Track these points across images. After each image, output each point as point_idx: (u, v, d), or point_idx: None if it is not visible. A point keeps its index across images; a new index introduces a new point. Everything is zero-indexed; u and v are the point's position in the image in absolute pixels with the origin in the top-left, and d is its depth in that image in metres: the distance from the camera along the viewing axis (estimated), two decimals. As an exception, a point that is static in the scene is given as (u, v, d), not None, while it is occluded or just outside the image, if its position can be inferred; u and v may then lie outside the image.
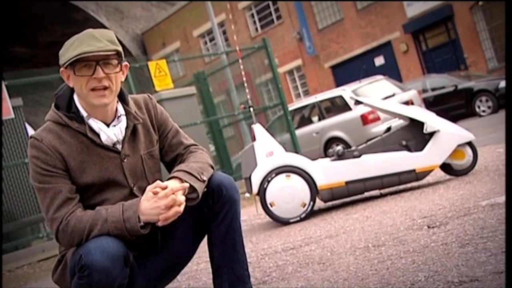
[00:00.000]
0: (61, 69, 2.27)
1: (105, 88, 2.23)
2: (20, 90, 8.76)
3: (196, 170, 2.33)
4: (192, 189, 2.27)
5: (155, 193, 2.19)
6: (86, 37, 2.21)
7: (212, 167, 2.44)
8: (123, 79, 2.33)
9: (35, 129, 10.25)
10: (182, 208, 2.21)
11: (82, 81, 2.22)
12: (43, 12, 27.47)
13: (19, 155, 8.72)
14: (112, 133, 2.30)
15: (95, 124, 2.28)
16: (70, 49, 2.20)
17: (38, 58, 30.06)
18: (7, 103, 7.85)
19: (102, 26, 27.74)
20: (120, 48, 2.26)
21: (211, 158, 2.53)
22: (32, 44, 29.94)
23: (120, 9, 30.30)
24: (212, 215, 2.41)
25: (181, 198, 2.22)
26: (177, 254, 2.46)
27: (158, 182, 2.24)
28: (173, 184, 2.23)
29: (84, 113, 2.28)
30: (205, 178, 2.34)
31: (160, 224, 2.19)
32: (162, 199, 2.18)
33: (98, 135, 2.29)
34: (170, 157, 2.49)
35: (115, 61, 2.25)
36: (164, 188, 2.20)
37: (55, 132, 2.26)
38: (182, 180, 2.26)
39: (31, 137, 2.27)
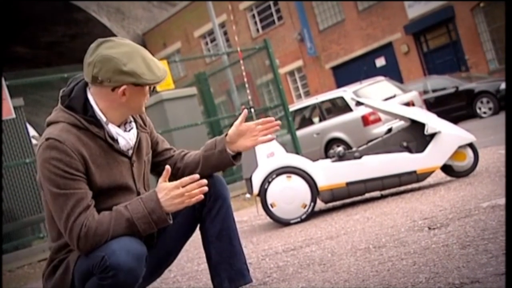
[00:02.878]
0: (124, 87, 2.24)
1: None
2: (21, 90, 8.77)
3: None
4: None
5: (168, 170, 2.24)
6: (150, 58, 2.29)
7: None
8: None
9: (36, 130, 10.23)
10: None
11: (146, 95, 2.32)
12: (44, 13, 27.48)
13: (20, 155, 8.72)
14: (128, 138, 2.35)
15: (113, 129, 2.31)
16: (154, 70, 2.25)
17: (40, 58, 30.06)
18: (8, 103, 7.85)
19: (104, 26, 27.79)
20: None
21: None
22: (33, 44, 29.94)
23: (121, 10, 30.32)
24: (206, 212, 2.43)
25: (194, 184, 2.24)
26: (168, 251, 2.50)
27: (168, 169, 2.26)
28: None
29: (103, 118, 2.29)
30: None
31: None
32: (177, 189, 2.20)
33: (116, 140, 2.32)
34: (157, 160, 2.59)
35: None
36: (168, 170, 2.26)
37: (74, 134, 2.24)
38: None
39: (49, 138, 2.20)
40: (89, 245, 2.14)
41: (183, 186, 2.19)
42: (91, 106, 2.28)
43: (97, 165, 2.25)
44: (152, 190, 2.26)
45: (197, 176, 2.23)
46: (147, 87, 2.29)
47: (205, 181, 2.21)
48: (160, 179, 2.24)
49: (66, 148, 2.17)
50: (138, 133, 2.41)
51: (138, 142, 2.41)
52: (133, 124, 2.39)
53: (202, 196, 2.22)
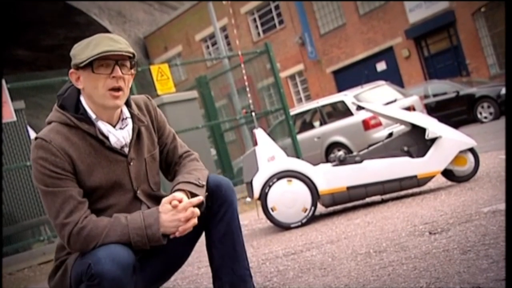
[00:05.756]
0: (71, 70, 2.25)
1: (120, 89, 2.23)
2: (22, 93, 8.78)
3: (193, 177, 2.37)
4: (193, 195, 2.30)
5: (175, 206, 2.21)
6: (103, 38, 2.23)
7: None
8: (130, 85, 2.35)
9: (37, 132, 10.20)
10: (196, 219, 2.25)
11: (100, 80, 2.21)
12: (45, 16, 27.52)
13: (20, 157, 8.73)
14: (121, 136, 2.30)
15: (104, 126, 2.27)
16: (88, 49, 2.19)
17: (40, 61, 30.11)
18: (9, 105, 7.86)
19: (105, 29, 27.80)
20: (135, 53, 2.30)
21: (203, 163, 2.57)
22: (34, 47, 29.99)
23: (122, 13, 30.37)
24: (211, 216, 2.42)
25: (197, 210, 2.25)
26: (175, 255, 2.48)
27: (174, 195, 2.26)
28: (179, 195, 2.26)
29: (92, 115, 2.27)
30: (203, 183, 2.38)
31: (177, 235, 2.22)
32: (181, 212, 2.21)
33: (107, 138, 2.28)
34: (166, 163, 2.53)
35: (129, 64, 2.28)
36: (180, 200, 2.23)
37: (63, 134, 2.22)
38: (186, 191, 2.29)
39: (36, 138, 2.21)
40: (79, 244, 2.14)
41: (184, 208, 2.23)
42: (82, 104, 2.28)
43: (87, 164, 2.23)
44: (155, 208, 2.25)
45: (201, 198, 2.27)
46: (95, 67, 2.19)
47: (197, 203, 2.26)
48: (166, 199, 2.24)
49: (52, 148, 2.17)
50: (138, 129, 2.36)
51: (138, 139, 2.37)
52: (129, 120, 2.33)
53: (196, 221, 2.24)
